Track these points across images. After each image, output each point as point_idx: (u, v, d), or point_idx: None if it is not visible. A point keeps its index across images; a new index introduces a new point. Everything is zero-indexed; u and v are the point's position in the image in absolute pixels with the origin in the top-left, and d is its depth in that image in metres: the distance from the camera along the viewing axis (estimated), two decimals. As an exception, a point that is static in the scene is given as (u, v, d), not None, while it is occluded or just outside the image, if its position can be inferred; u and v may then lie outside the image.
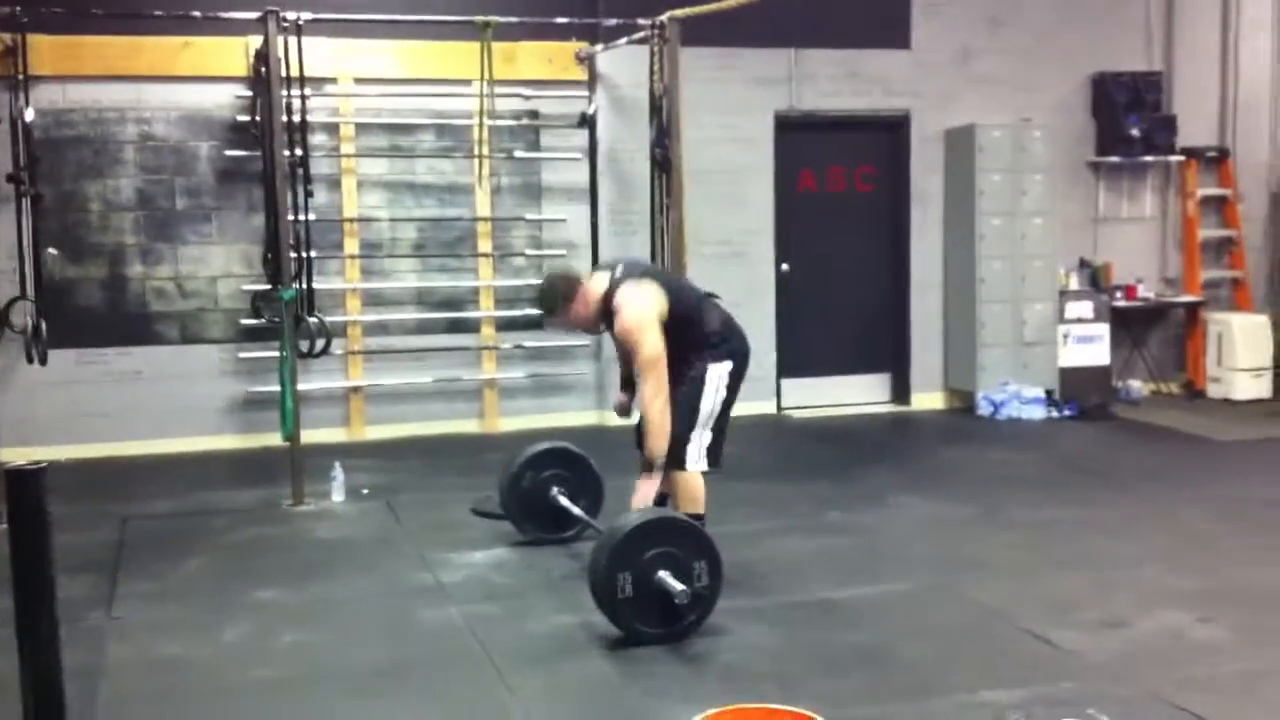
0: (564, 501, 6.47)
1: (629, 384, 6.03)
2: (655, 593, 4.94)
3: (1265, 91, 11.66)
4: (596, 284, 5.72)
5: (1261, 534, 6.77)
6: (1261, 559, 6.25)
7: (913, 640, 5.14)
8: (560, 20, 9.17)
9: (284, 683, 4.78)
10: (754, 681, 4.62)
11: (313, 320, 8.37)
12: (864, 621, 5.36)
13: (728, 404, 5.81)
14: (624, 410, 6.19)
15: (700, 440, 5.71)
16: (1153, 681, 4.59)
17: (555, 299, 5.75)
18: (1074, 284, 10.89)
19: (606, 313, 5.65)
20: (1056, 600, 5.58)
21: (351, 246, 9.61)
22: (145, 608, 5.69)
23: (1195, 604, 5.47)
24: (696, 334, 5.70)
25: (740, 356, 5.85)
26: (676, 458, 5.64)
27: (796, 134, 10.55)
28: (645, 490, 5.51)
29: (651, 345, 5.43)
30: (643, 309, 5.50)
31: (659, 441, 5.41)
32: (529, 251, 9.99)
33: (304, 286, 8.27)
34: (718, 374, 5.72)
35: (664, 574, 4.94)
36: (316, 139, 9.26)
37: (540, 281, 5.76)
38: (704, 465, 5.74)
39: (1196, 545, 6.55)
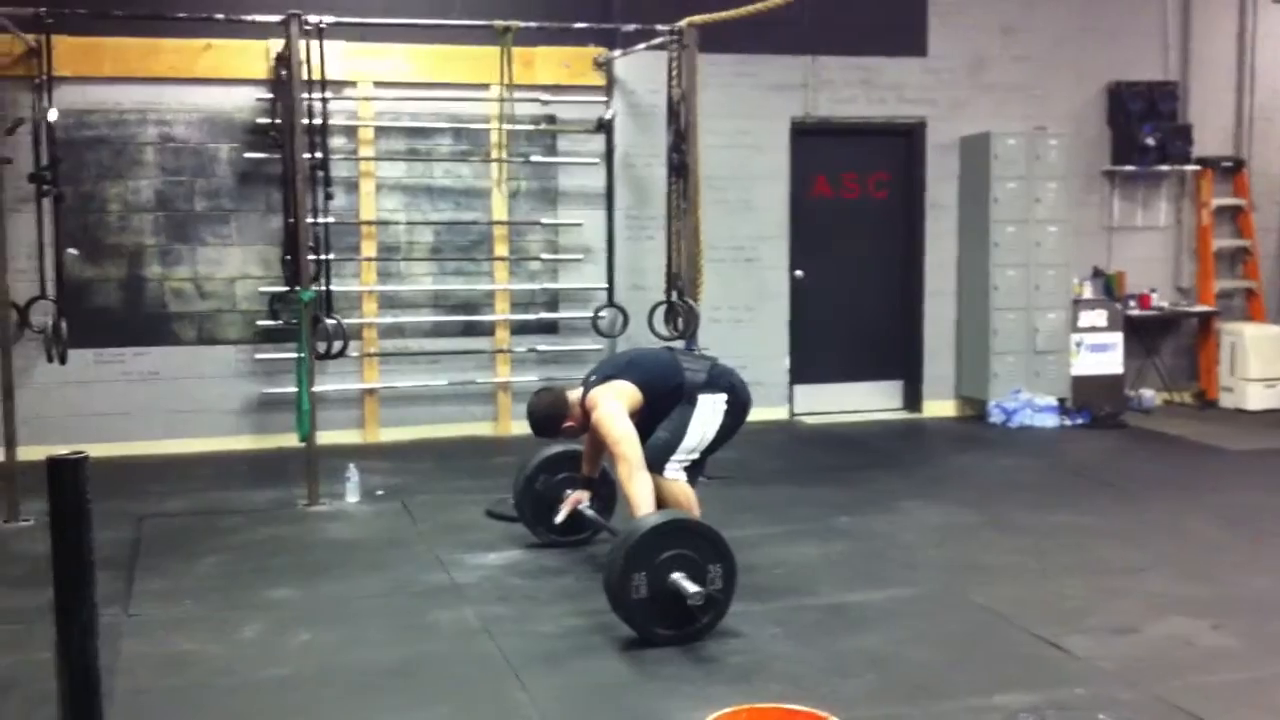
0: (578, 504, 6.53)
1: (586, 482, 6.39)
2: (669, 594, 4.99)
3: (1281, 102, 11.69)
4: (574, 394, 6.04)
5: (1272, 543, 6.80)
6: (1271, 568, 6.27)
7: (923, 644, 5.17)
8: (578, 26, 9.21)
9: (297, 681, 4.83)
10: (765, 682, 4.66)
11: (330, 322, 8.40)
12: (874, 625, 5.39)
13: (719, 438, 5.98)
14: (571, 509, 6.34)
15: (681, 460, 5.89)
16: (1163, 688, 4.61)
17: (556, 419, 6.02)
18: (1088, 293, 10.90)
19: (585, 414, 5.92)
20: (1066, 606, 5.61)
21: (369, 249, 9.66)
22: (160, 605, 5.75)
23: (1205, 611, 5.50)
24: (685, 391, 5.93)
25: (734, 391, 6.03)
26: (658, 464, 5.78)
27: (812, 140, 10.59)
28: (640, 493, 5.52)
29: (620, 430, 5.62)
30: (610, 404, 5.75)
31: (641, 511, 5.40)
32: (545, 256, 10.04)
33: (322, 288, 8.31)
34: (711, 402, 5.92)
35: (679, 576, 4.99)
36: (335, 142, 9.31)
37: (532, 408, 6.05)
38: (682, 476, 5.90)
39: (1206, 553, 6.57)
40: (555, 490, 6.53)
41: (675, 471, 5.87)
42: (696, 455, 5.96)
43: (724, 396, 5.97)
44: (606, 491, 6.61)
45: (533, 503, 6.60)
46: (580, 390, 6.04)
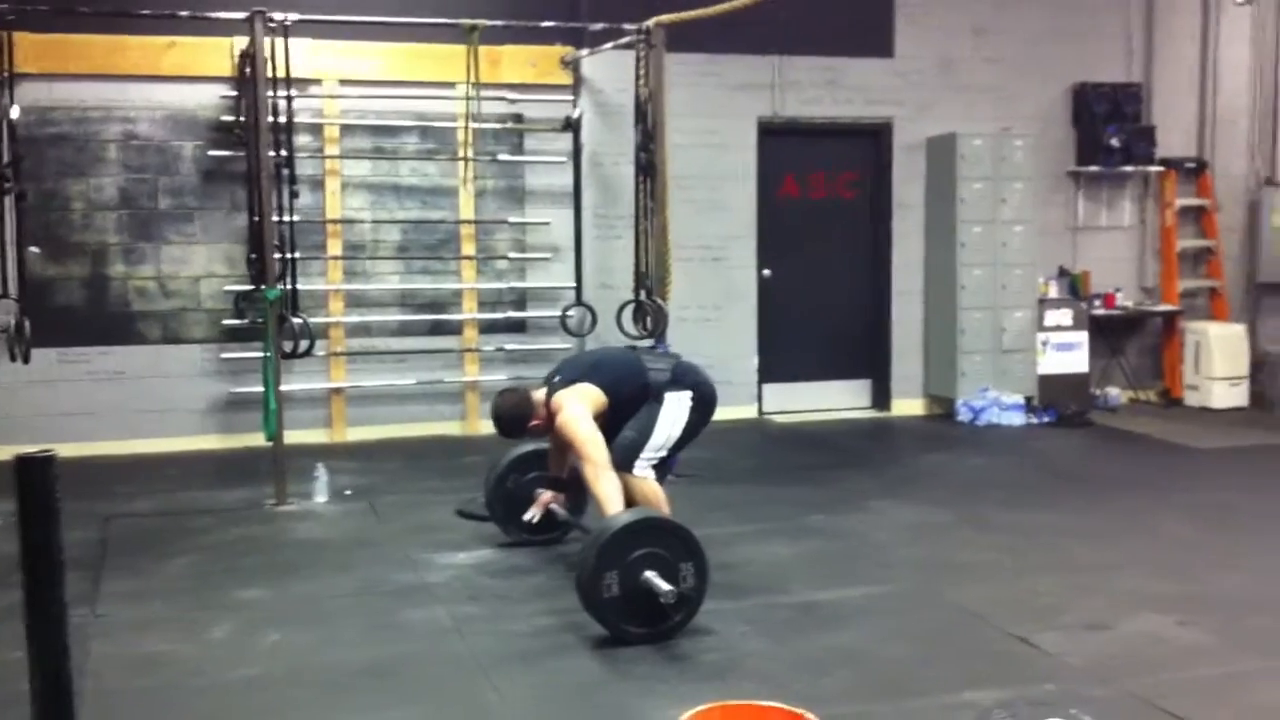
0: (549, 503, 6.50)
1: (556, 481, 6.40)
2: (641, 593, 4.98)
3: (1243, 104, 11.77)
4: (538, 394, 6.05)
5: (1238, 539, 6.84)
6: (1238, 564, 6.30)
7: (895, 641, 5.17)
8: (545, 24, 9.19)
9: (268, 681, 4.78)
10: (739, 680, 4.65)
11: (296, 321, 8.33)
12: (846, 623, 5.39)
13: (686, 435, 5.99)
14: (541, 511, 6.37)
15: (649, 458, 5.90)
16: (1134, 683, 4.63)
17: (522, 419, 6.03)
18: (1053, 292, 10.96)
19: (550, 414, 5.94)
20: (1039, 604, 5.62)
21: (334, 248, 9.61)
22: (128, 606, 5.69)
23: (1174, 608, 5.52)
24: (650, 390, 5.95)
25: (699, 387, 6.04)
26: (626, 463, 5.79)
27: (779, 140, 10.60)
28: (608, 492, 5.53)
29: (585, 433, 5.66)
30: (573, 407, 5.78)
31: (610, 510, 5.43)
32: (512, 255, 10.01)
33: (287, 287, 8.25)
34: (677, 399, 5.94)
35: (650, 574, 4.98)
36: (300, 140, 9.24)
37: (497, 409, 6.07)
38: (651, 474, 5.90)
39: (1175, 550, 6.61)
40: (527, 489, 6.50)
41: (644, 469, 5.87)
42: (664, 452, 5.96)
43: (689, 393, 5.98)
44: (577, 490, 6.58)
45: (504, 501, 6.56)
46: (544, 390, 6.05)
